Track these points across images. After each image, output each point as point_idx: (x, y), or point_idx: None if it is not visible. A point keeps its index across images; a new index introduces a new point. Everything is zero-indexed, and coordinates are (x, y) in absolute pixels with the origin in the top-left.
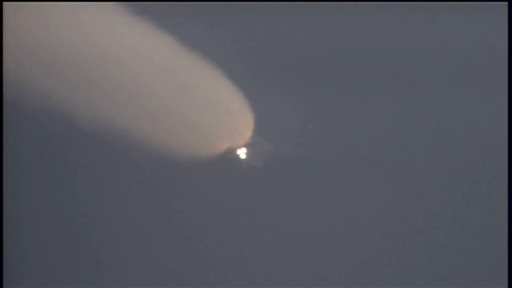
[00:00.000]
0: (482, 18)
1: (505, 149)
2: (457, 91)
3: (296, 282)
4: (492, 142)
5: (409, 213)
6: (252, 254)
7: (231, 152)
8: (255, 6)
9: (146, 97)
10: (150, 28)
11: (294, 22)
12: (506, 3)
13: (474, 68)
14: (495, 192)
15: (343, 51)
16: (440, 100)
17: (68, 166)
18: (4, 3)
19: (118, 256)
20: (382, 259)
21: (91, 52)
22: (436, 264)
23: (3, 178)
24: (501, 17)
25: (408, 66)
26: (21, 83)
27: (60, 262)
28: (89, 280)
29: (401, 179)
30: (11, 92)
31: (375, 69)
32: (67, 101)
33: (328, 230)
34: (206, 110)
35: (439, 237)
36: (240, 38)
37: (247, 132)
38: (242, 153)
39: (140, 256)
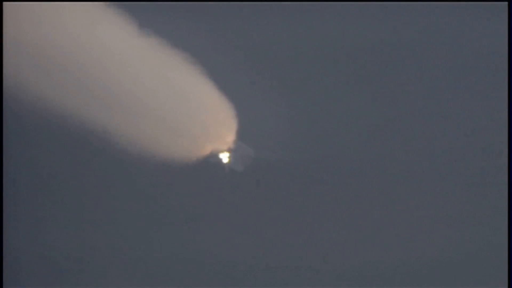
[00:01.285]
0: (482, 18)
1: (505, 149)
2: (457, 91)
3: (279, 283)
4: (492, 142)
5: (405, 214)
6: (236, 253)
7: (214, 156)
8: (243, 12)
9: (129, 101)
10: (147, 33)
11: (282, 27)
12: (506, 3)
13: (474, 68)
14: (495, 192)
15: (335, 53)
16: (439, 99)
17: (64, 166)
18: (4, 3)
19: (116, 255)
20: (379, 260)
21: (90, 52)
22: (436, 264)
23: (3, 177)
24: (501, 17)
25: (408, 65)
26: (21, 83)
27: (60, 262)
28: (89, 280)
29: (392, 180)
30: (11, 91)
31: (372, 69)
32: (67, 101)
33: (307, 231)
34: (190, 114)
35: (439, 237)
36: (228, 44)
37: (230, 137)
38: (224, 157)
39: (134, 256)
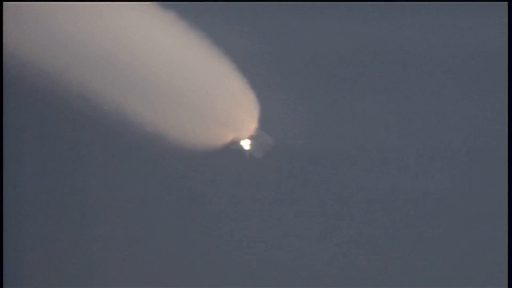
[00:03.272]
0: (482, 18)
1: (505, 149)
2: (457, 91)
3: (296, 272)
4: (492, 142)
5: (407, 209)
6: (253, 241)
7: (236, 143)
8: (265, 5)
9: (154, 87)
10: (159, 19)
11: (301, 21)
12: (506, 3)
13: (474, 68)
14: (495, 192)
15: (346, 49)
16: (439, 99)
17: (69, 161)
18: (4, 3)
19: (121, 254)
20: (381, 257)
21: (92, 51)
22: (436, 264)
23: (3, 175)
24: (501, 17)
25: (408, 65)
26: (22, 83)
27: (61, 262)
28: (91, 280)
29: (401, 173)
30: (12, 92)
31: (376, 67)
32: (68, 100)
33: (326, 222)
34: (214, 101)
35: (439, 237)
36: (249, 35)
37: (252, 125)
38: (246, 144)
39: (144, 252)
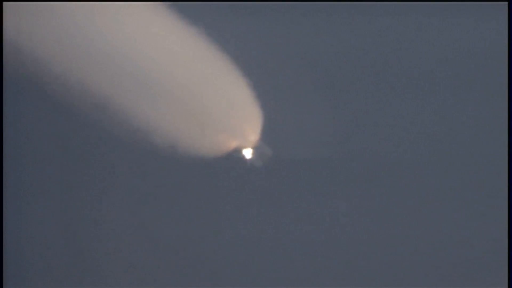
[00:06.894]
0: (482, 18)
1: (505, 149)
2: (456, 91)
3: (296, 282)
4: (492, 142)
5: (410, 212)
6: (252, 250)
7: (238, 151)
8: (271, 6)
9: (158, 94)
10: (165, 21)
11: (308, 24)
12: (506, 3)
13: (474, 68)
14: (495, 192)
15: (352, 53)
16: (439, 100)
17: (71, 162)
18: (4, 3)
19: (121, 255)
20: (383, 258)
21: (93, 51)
22: (436, 264)
23: (3, 175)
24: (501, 17)
25: (408, 65)
26: (22, 84)
27: (62, 262)
28: (92, 281)
29: (403, 181)
30: (12, 92)
31: (376, 69)
32: (68, 101)
33: (328, 231)
34: (219, 111)
35: (439, 237)
36: (256, 41)
37: (254, 134)
38: (247, 153)
39: (143, 255)
